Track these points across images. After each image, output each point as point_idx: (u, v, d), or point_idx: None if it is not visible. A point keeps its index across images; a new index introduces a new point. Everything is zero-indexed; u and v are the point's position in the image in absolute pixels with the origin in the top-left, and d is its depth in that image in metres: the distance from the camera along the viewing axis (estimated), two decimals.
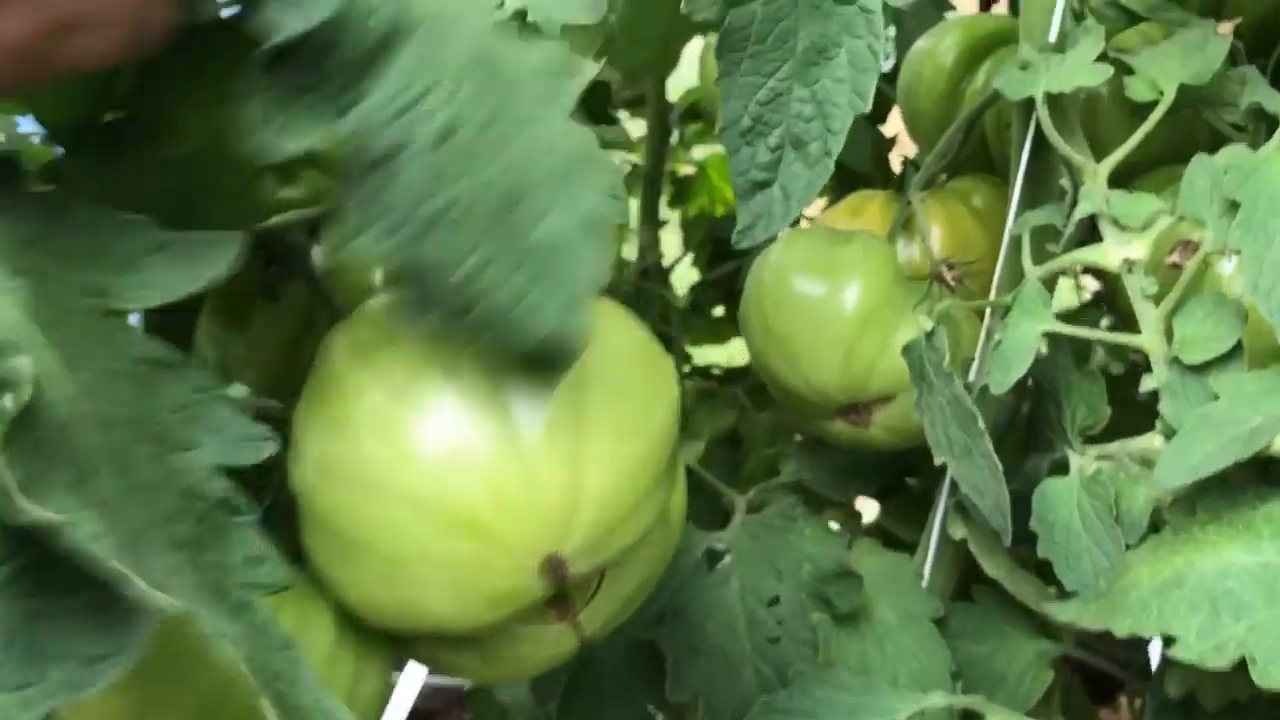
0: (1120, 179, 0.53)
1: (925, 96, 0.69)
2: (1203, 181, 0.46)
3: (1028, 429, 0.56)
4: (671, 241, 1.11)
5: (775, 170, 0.43)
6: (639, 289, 0.94)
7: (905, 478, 0.69)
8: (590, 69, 0.46)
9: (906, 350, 0.50)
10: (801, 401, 0.60)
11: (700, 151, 1.26)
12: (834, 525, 0.71)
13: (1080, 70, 0.48)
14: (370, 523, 0.37)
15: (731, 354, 1.10)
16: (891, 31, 0.83)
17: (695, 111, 1.06)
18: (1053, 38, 0.52)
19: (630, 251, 1.00)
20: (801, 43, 0.41)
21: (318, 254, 0.50)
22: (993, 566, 0.54)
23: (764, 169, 0.43)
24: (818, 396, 0.58)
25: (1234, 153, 0.46)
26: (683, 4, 0.41)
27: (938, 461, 0.49)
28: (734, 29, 0.41)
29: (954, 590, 0.61)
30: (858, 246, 0.58)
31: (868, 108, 0.42)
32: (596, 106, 0.56)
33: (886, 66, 1.03)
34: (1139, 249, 0.48)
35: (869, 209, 0.67)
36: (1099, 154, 0.53)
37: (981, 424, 0.46)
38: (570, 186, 0.33)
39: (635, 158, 1.05)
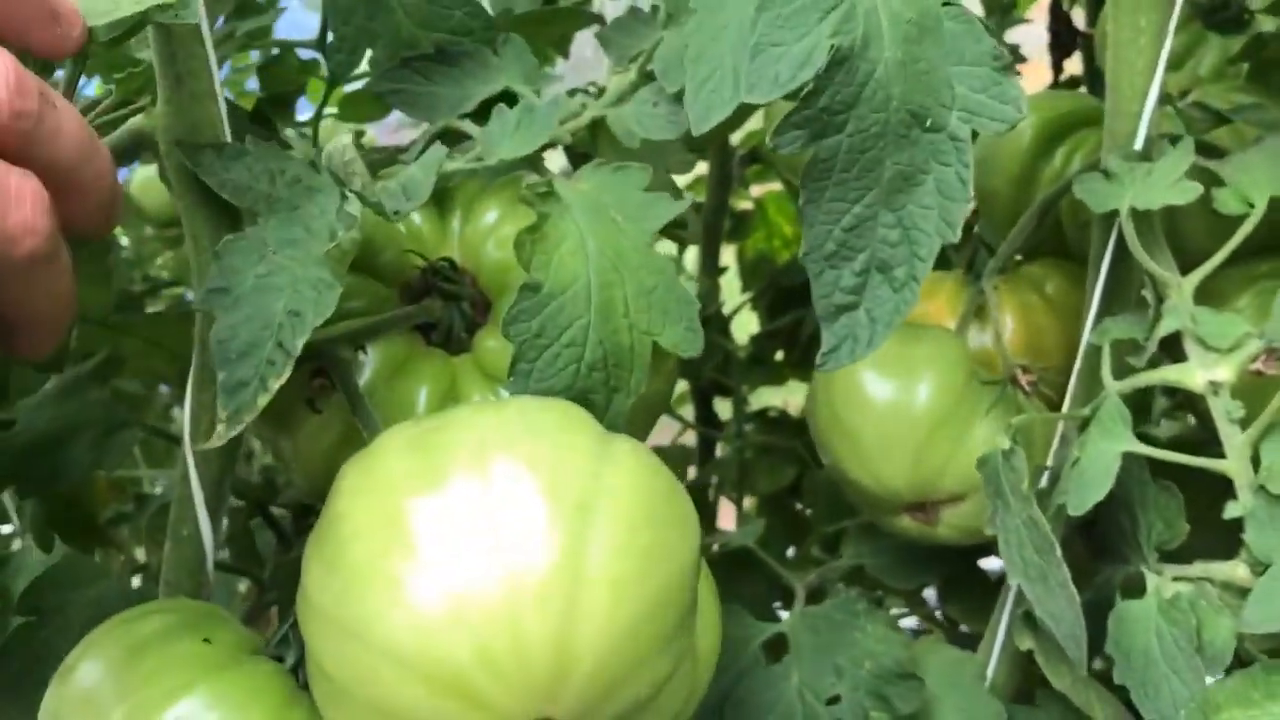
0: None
1: (1000, 177, 0.67)
2: None
3: (1098, 535, 0.55)
4: (732, 287, 1.10)
5: (860, 294, 0.42)
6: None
7: (971, 567, 0.68)
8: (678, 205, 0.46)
9: (982, 464, 0.49)
10: (869, 496, 0.59)
11: (758, 189, 1.26)
12: (895, 611, 0.70)
13: (1167, 188, 0.47)
14: (357, 673, 0.36)
15: (787, 396, 1.09)
16: None
17: (756, 154, 1.05)
18: (1139, 144, 0.51)
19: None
20: (888, 170, 0.41)
21: (364, 368, 0.49)
22: (1058, 678, 0.53)
23: (848, 293, 0.42)
24: (886, 494, 0.58)
25: None
26: (768, 139, 0.40)
27: (1011, 583, 0.48)
28: (819, 160, 0.40)
29: (1018, 692, 0.60)
30: (930, 343, 0.57)
31: (957, 236, 0.41)
32: None
33: None
34: (1225, 371, 0.46)
35: (941, 293, 0.66)
36: (1180, 248, 0.52)
37: (1059, 552, 0.45)
38: None
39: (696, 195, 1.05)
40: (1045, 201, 0.61)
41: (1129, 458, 0.51)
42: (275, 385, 0.42)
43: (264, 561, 0.67)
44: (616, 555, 0.36)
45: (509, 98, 0.53)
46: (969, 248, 0.71)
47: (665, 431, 0.94)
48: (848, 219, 0.41)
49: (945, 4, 0.41)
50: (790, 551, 0.88)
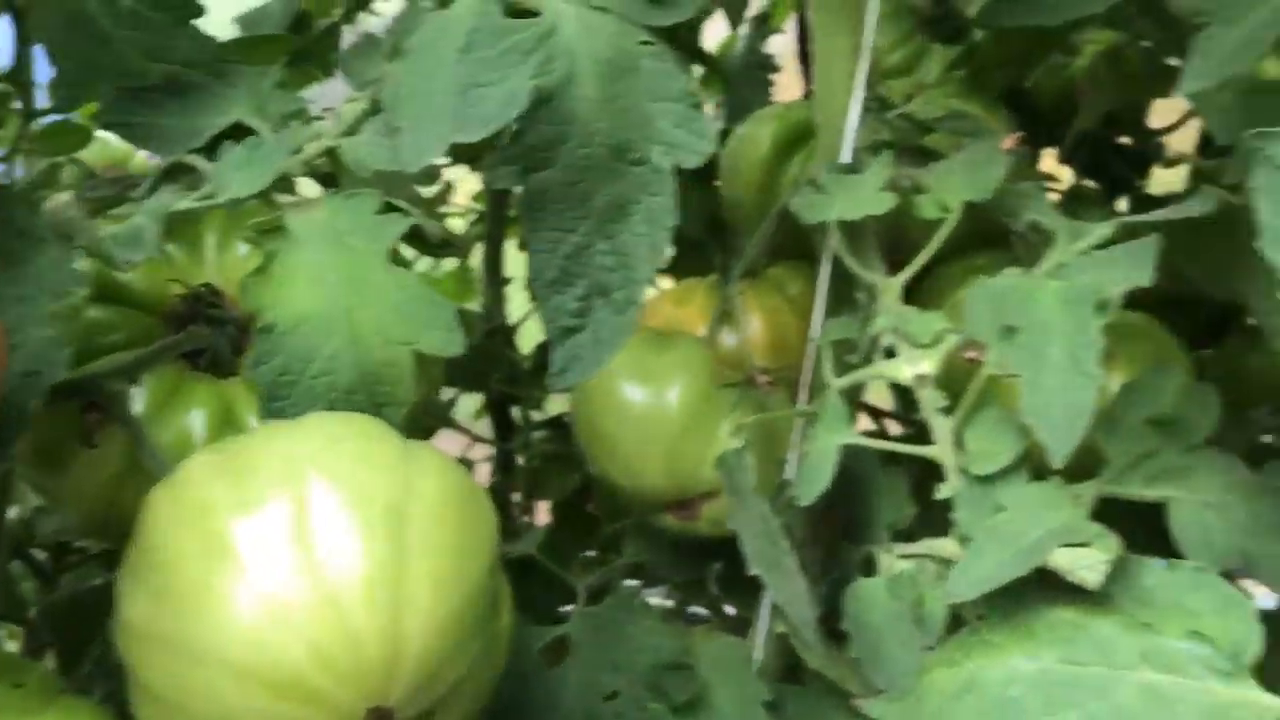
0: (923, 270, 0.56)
1: (743, 186, 0.71)
2: (983, 305, 0.49)
3: (843, 520, 0.59)
4: (518, 299, 1.12)
5: (585, 317, 0.45)
6: (485, 350, 0.95)
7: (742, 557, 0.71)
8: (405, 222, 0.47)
9: (720, 463, 0.52)
10: (632, 498, 0.62)
11: None
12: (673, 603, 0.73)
13: (868, 199, 0.51)
14: (195, 691, 0.38)
15: None
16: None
17: None
18: (846, 157, 0.55)
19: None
20: (600, 201, 0.44)
21: (135, 399, 0.49)
22: (811, 657, 0.57)
23: (573, 316, 0.44)
24: (647, 495, 0.61)
25: (1011, 278, 0.49)
26: (483, 176, 0.42)
27: (752, 572, 0.52)
28: (534, 193, 0.43)
29: (788, 670, 0.63)
30: (677, 351, 0.60)
31: (663, 262, 0.44)
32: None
33: (718, 126, 1.06)
34: (929, 364, 0.51)
35: (695, 299, 0.69)
36: (907, 241, 0.56)
37: (786, 543, 0.49)
38: None
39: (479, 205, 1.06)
40: (783, 207, 0.65)
41: (862, 448, 0.56)
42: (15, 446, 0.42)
43: (27, 605, 0.66)
44: (433, 552, 0.40)
45: (243, 130, 0.54)
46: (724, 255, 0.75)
47: (454, 444, 0.95)
48: (566, 247, 0.44)
49: (643, 43, 0.44)
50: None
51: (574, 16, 0.43)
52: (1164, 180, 0.84)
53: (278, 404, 0.46)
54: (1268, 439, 0.93)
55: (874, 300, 0.53)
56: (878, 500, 0.55)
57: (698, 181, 0.90)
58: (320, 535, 0.39)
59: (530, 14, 0.44)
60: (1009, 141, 0.55)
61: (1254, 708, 0.40)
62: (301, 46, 0.64)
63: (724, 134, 0.92)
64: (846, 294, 0.58)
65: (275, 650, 0.37)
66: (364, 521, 0.39)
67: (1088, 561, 0.44)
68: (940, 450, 0.50)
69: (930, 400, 0.51)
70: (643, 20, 0.45)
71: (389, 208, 0.49)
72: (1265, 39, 0.46)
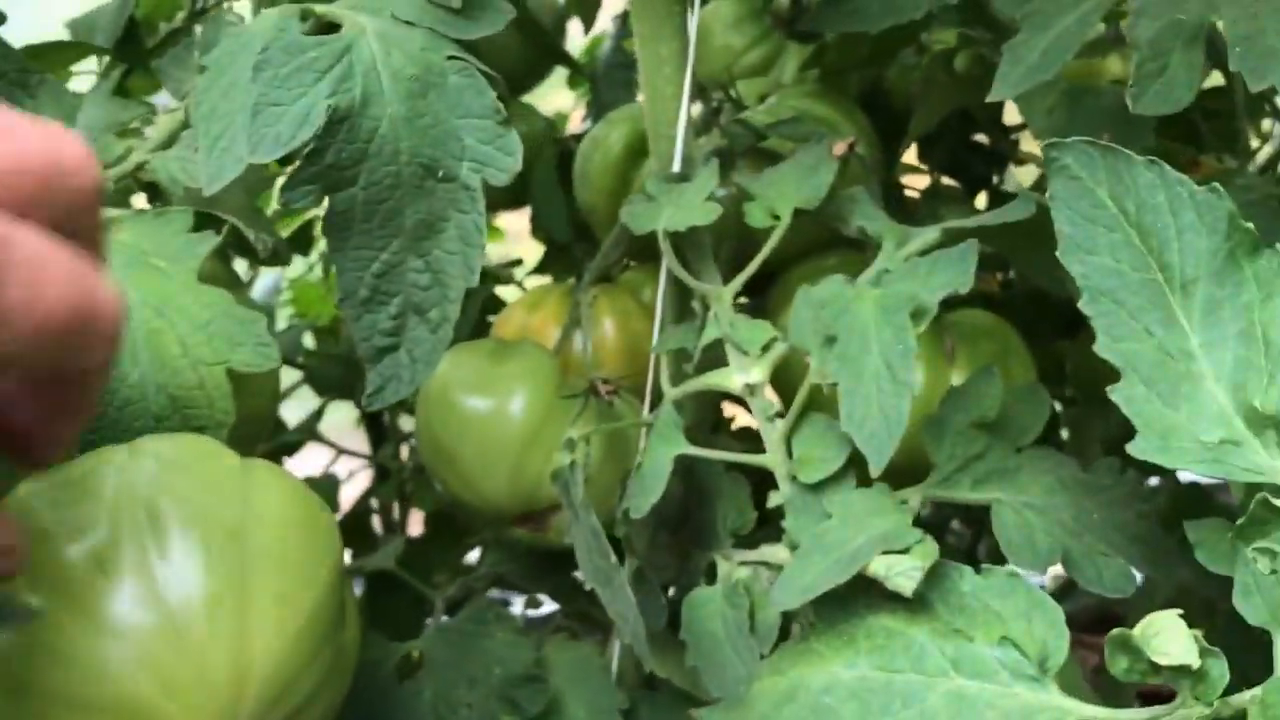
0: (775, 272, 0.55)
1: (596, 192, 0.71)
2: (806, 314, 0.49)
3: (692, 527, 0.59)
4: None
5: (399, 335, 0.44)
6: (350, 361, 0.93)
7: None
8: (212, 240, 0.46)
9: (554, 477, 0.51)
10: (479, 513, 0.61)
11: None
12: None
13: (694, 209, 0.51)
14: None
15: None
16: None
17: None
18: (677, 166, 0.55)
19: None
20: (409, 219, 0.43)
21: None
22: (661, 666, 0.57)
23: (387, 335, 0.44)
24: (493, 510, 0.60)
25: (833, 286, 0.50)
26: (276, 197, 0.41)
27: (588, 587, 0.52)
28: (337, 212, 0.42)
29: (648, 678, 0.63)
30: (519, 360, 0.60)
31: (476, 281, 0.44)
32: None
33: (585, 127, 1.05)
34: (758, 373, 0.51)
35: (547, 304, 0.69)
36: (754, 245, 0.56)
37: (614, 559, 0.48)
38: None
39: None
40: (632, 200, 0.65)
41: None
42: None
43: None
44: (274, 570, 0.39)
45: None
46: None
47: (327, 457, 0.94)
48: (377, 265, 0.43)
49: (450, 58, 0.44)
50: None
51: (375, 32, 0.42)
52: (1026, 176, 0.85)
53: (91, 435, 0.45)
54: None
55: (708, 309, 0.53)
56: (721, 506, 0.55)
57: (564, 182, 0.90)
58: (159, 559, 0.38)
59: (332, 29, 0.43)
60: (840, 147, 0.55)
61: (1056, 712, 0.40)
62: (129, 53, 0.62)
63: None
64: (686, 304, 0.58)
65: (120, 682, 0.36)
66: (203, 544, 0.38)
67: (903, 568, 0.44)
68: (771, 458, 0.50)
69: (761, 409, 0.51)
70: (451, 33, 0.44)
71: (204, 223, 0.48)
72: (1072, 44, 0.46)
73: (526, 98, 0.98)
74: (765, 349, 0.51)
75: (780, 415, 0.51)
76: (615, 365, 0.65)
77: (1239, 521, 0.38)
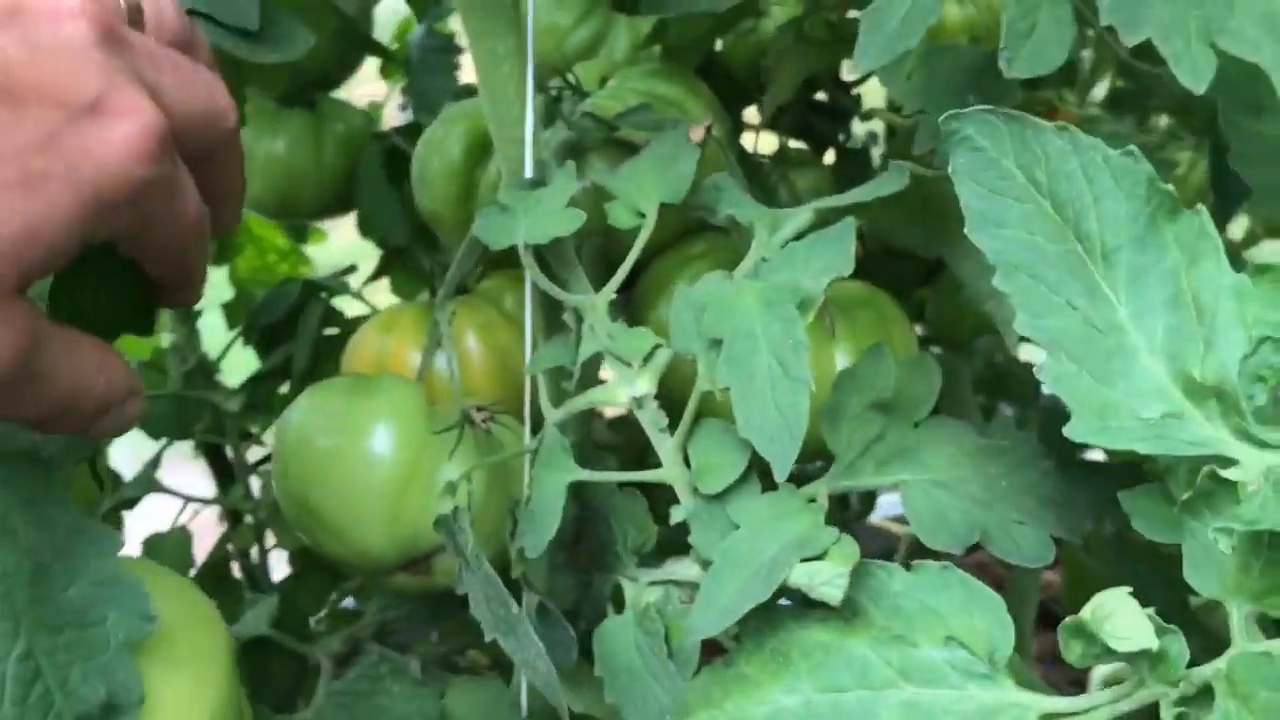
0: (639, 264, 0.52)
1: (439, 199, 0.66)
2: (688, 316, 0.46)
3: (587, 550, 0.56)
4: (216, 330, 1.02)
5: None
6: (182, 398, 0.86)
7: None
8: None
9: (439, 525, 0.47)
10: (353, 565, 0.56)
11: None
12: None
13: (555, 218, 0.47)
14: None
15: None
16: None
17: None
18: (529, 171, 0.51)
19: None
20: None
21: None
22: (579, 701, 0.53)
23: None
24: (369, 561, 0.55)
25: (712, 284, 0.47)
26: None
27: (488, 638, 0.48)
28: None
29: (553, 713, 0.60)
30: (383, 396, 0.55)
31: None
32: None
33: (403, 118, 0.99)
34: (644, 384, 0.48)
35: (401, 323, 0.64)
36: (619, 241, 0.52)
37: (515, 607, 0.45)
38: None
39: None
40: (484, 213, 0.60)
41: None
42: None
43: None
44: (170, 680, 0.38)
45: None
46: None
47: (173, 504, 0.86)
48: None
49: None
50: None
51: None
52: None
53: None
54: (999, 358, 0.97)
55: (581, 321, 0.50)
56: (619, 525, 0.52)
57: (391, 179, 0.85)
58: None
59: None
60: (697, 132, 0.52)
61: (1016, 709, 0.39)
62: None
63: (413, 128, 0.87)
64: (557, 315, 0.54)
65: None
66: None
67: (826, 577, 0.42)
68: (668, 472, 0.47)
69: (652, 421, 0.48)
70: (251, 58, 0.39)
71: None
72: (935, 8, 0.44)
73: (338, 92, 0.92)
74: (648, 358, 0.47)
75: (673, 426, 0.48)
76: (485, 384, 0.61)
77: (1186, 496, 0.36)
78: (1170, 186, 0.37)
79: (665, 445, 0.47)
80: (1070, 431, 0.37)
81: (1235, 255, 0.38)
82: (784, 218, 0.49)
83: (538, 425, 0.55)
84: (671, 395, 0.52)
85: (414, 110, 0.87)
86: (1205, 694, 0.35)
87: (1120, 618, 0.36)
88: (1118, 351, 0.37)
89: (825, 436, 0.49)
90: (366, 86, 1.11)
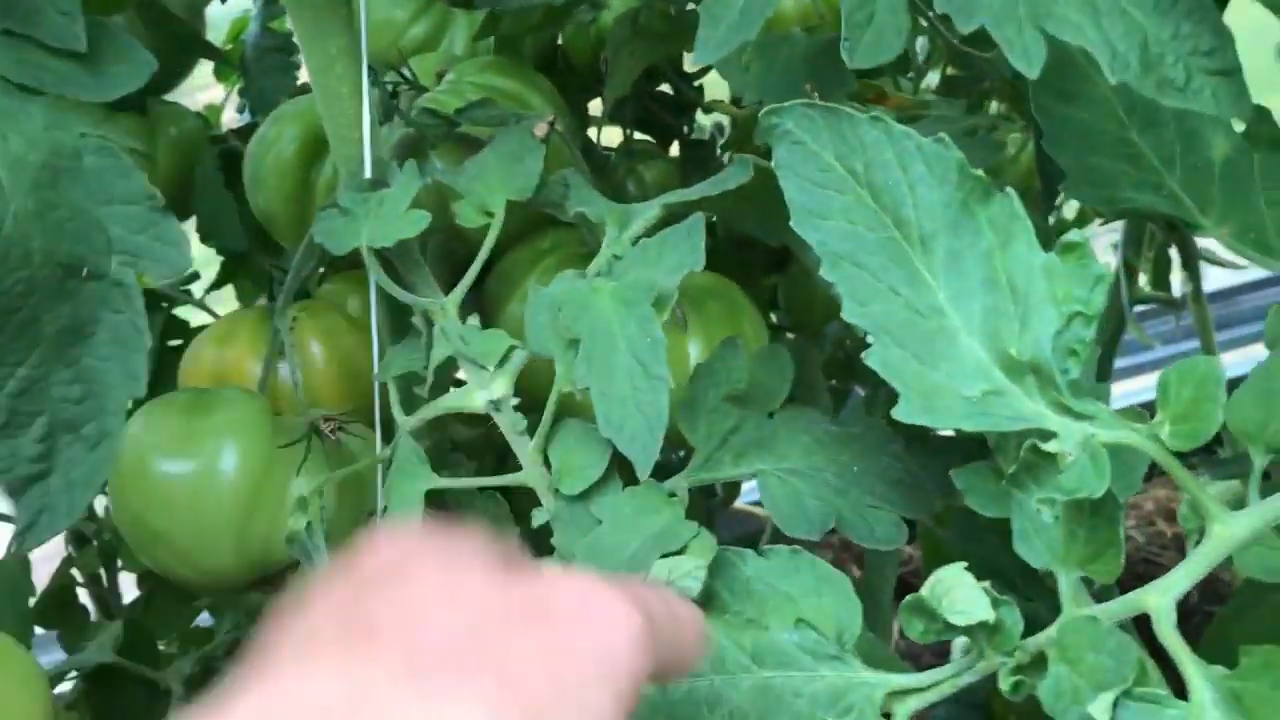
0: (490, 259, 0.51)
1: (274, 199, 0.63)
2: (543, 317, 0.45)
3: None
4: None
5: (49, 460, 0.37)
6: None
7: None
8: None
9: (291, 542, 0.46)
10: (202, 587, 0.54)
11: None
12: None
13: (398, 221, 0.46)
14: None
15: None
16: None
17: None
18: (369, 172, 0.49)
19: None
20: (49, 327, 0.36)
21: None
22: None
23: (34, 460, 0.37)
24: (218, 583, 0.53)
25: (566, 283, 0.46)
26: None
27: None
28: None
29: None
30: (222, 411, 0.52)
31: (143, 390, 0.38)
32: None
33: (241, 121, 0.96)
34: (500, 387, 0.47)
35: (240, 333, 0.61)
36: (466, 240, 0.51)
37: None
38: None
39: None
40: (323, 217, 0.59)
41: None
42: None
43: None
44: None
45: None
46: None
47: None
48: (13, 384, 0.36)
49: (84, 135, 0.36)
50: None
51: None
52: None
53: None
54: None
55: (431, 324, 0.49)
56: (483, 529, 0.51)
57: (229, 184, 0.81)
58: None
59: None
60: (541, 128, 0.51)
61: (864, 688, 0.40)
62: None
63: (251, 130, 0.84)
64: (405, 319, 0.53)
65: None
66: None
67: (686, 569, 0.42)
68: (529, 475, 0.47)
69: (510, 424, 0.47)
70: (81, 95, 0.36)
71: None
72: (769, 5, 0.44)
73: (172, 95, 0.88)
74: (504, 360, 0.47)
75: (532, 427, 0.47)
76: (331, 392, 0.59)
77: (1012, 470, 0.37)
78: (980, 172, 0.38)
79: (524, 448, 0.47)
80: (898, 413, 0.38)
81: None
82: (633, 213, 0.49)
83: (389, 432, 0.54)
84: (528, 395, 0.51)
85: (252, 112, 0.84)
86: (1041, 661, 0.37)
87: (958, 592, 0.37)
88: (939, 334, 0.38)
89: (684, 431, 0.49)
90: (206, 93, 1.07)
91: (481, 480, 0.47)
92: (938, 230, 0.39)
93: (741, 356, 0.50)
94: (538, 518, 0.46)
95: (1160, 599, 0.36)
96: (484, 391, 0.47)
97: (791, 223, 0.40)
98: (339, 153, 0.50)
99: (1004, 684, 0.37)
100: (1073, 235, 0.37)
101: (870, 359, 0.39)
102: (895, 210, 0.39)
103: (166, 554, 0.52)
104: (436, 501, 0.52)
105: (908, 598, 0.38)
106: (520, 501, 0.51)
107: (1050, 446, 0.36)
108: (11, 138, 0.35)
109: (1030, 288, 0.37)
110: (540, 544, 0.48)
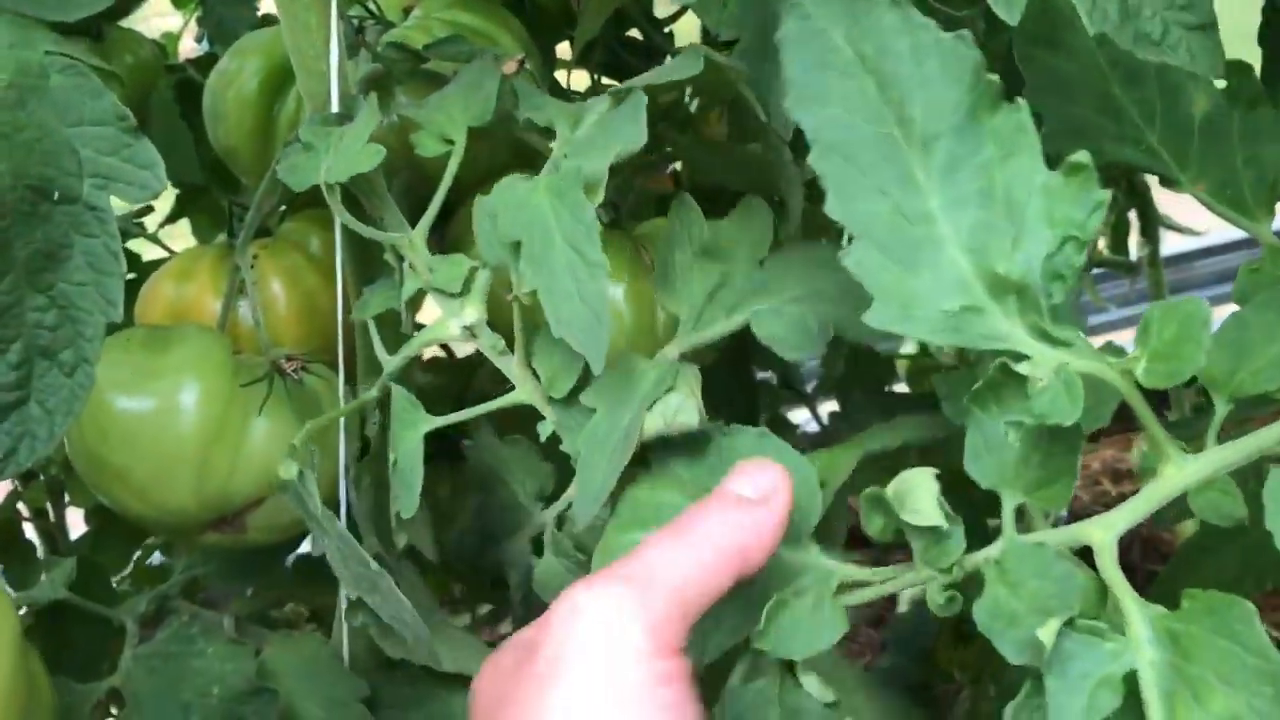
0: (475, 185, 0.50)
1: (234, 133, 0.62)
2: (487, 225, 0.44)
3: (491, 505, 0.54)
4: None
5: (26, 387, 0.37)
6: None
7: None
8: None
9: (284, 489, 0.45)
10: (161, 527, 0.54)
11: None
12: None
13: (357, 154, 0.45)
14: None
15: None
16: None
17: None
18: (335, 106, 0.48)
19: None
20: (21, 251, 0.35)
21: None
22: (393, 648, 0.52)
23: (11, 388, 0.36)
24: (179, 522, 0.53)
25: (506, 188, 0.44)
26: None
27: (350, 596, 0.46)
28: None
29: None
30: (182, 348, 0.51)
31: (119, 315, 0.37)
32: None
33: (198, 50, 0.94)
34: (473, 311, 0.45)
35: (200, 271, 0.60)
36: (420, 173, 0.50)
37: (374, 565, 0.43)
38: None
39: None
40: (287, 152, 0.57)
41: (478, 430, 0.51)
42: None
43: None
44: None
45: None
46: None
47: None
48: None
49: (50, 53, 0.35)
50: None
51: None
52: None
53: None
54: None
55: (402, 260, 0.48)
56: (515, 476, 0.51)
57: (185, 115, 0.80)
58: None
59: None
60: (510, 66, 0.50)
61: (819, 571, 0.39)
62: None
63: (209, 60, 0.82)
64: (375, 248, 0.52)
65: None
66: None
67: (675, 405, 0.42)
68: (523, 392, 0.45)
69: (490, 345, 0.45)
70: (46, 14, 0.35)
71: None
72: None
73: (127, 21, 0.85)
74: (468, 283, 0.45)
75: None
76: (292, 332, 0.59)
77: (975, 386, 0.36)
78: (996, 77, 0.36)
79: (510, 366, 0.45)
80: (869, 318, 0.36)
81: None
82: (584, 110, 0.47)
83: (351, 373, 0.53)
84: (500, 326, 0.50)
85: (210, 42, 0.82)
86: (979, 581, 0.36)
87: (918, 494, 0.37)
88: (925, 242, 0.37)
89: (664, 304, 0.48)
90: (162, 20, 1.04)
91: (478, 409, 0.45)
92: (941, 133, 0.36)
93: (696, 209, 0.48)
94: (543, 430, 0.45)
95: (1104, 533, 0.35)
96: (457, 319, 0.46)
97: (786, 103, 0.38)
98: (305, 86, 0.49)
99: (935, 596, 0.37)
100: (1080, 156, 0.35)
101: (847, 259, 0.37)
102: (900, 106, 0.37)
103: (124, 491, 0.52)
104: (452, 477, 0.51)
105: (870, 489, 0.38)
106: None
107: (1022, 368, 0.35)
108: None
109: (1027, 205, 0.36)
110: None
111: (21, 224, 0.36)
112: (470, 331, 0.46)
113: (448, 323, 0.46)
